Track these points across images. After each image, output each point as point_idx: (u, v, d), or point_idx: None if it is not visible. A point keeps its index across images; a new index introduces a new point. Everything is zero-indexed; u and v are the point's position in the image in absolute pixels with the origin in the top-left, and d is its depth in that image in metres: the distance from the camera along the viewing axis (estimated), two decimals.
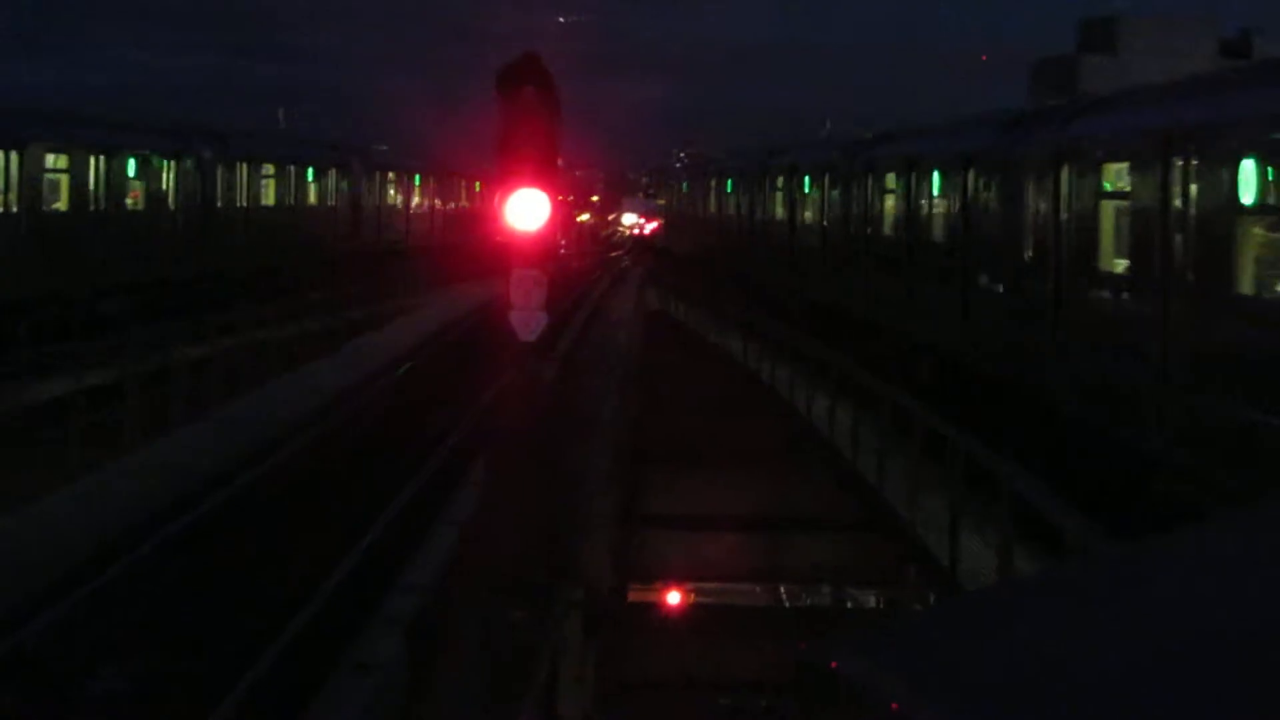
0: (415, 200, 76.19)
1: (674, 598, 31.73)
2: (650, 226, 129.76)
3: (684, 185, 77.22)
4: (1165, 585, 2.80)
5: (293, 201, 57.19)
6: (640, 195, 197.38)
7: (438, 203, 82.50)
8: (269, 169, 55.02)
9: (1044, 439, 20.93)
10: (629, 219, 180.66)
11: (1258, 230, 16.28)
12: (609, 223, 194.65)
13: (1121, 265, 19.84)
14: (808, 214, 42.19)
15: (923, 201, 29.75)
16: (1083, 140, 21.77)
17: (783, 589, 32.14)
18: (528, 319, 17.44)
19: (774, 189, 47.98)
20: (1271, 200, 16.14)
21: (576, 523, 19.34)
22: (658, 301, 60.54)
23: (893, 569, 23.34)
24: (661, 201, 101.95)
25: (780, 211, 46.64)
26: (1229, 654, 2.48)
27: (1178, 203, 17.50)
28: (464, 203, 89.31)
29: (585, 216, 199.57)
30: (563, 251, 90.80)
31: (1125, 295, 19.89)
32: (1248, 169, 16.20)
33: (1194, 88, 19.79)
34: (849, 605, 28.78)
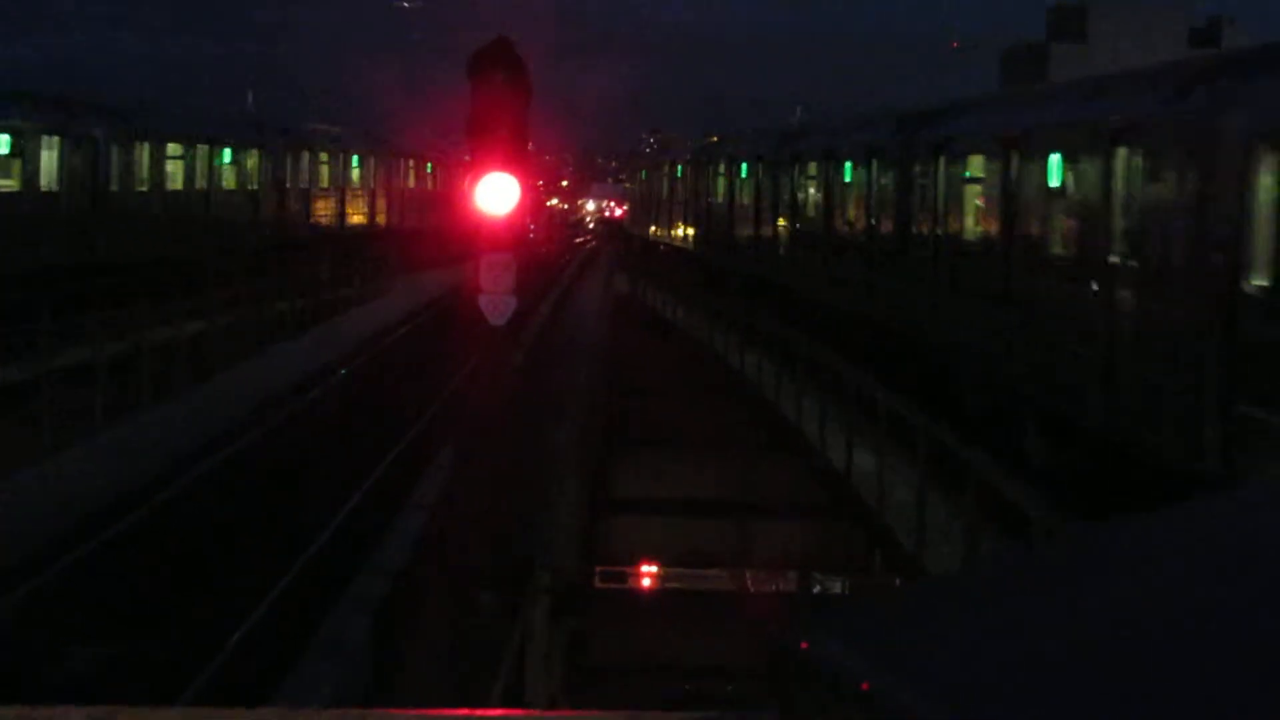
0: (225, 182, 53.54)
1: (641, 582, 31.73)
2: (619, 211, 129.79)
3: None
4: (1128, 566, 2.83)
5: None
6: (609, 180, 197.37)
7: (314, 185, 62.85)
8: None
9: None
10: (591, 204, 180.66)
11: (850, 196, 33.51)
12: (579, 207, 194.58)
13: (809, 218, 37.73)
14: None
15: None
16: (802, 150, 39.43)
17: (749, 574, 32.17)
18: (497, 303, 17.44)
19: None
20: (854, 184, 33.23)
21: (544, 506, 19.34)
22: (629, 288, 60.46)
23: (859, 555, 23.40)
24: (629, 185, 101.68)
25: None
26: (1193, 633, 2.51)
27: (827, 184, 35.51)
28: (344, 184, 68.51)
29: (555, 201, 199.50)
30: (532, 235, 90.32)
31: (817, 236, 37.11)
32: (848, 169, 33.75)
33: (842, 125, 41.08)
34: (816, 590, 28.83)
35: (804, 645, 2.63)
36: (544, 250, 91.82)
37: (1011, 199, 22.14)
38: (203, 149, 50.76)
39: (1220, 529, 2.96)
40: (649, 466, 30.66)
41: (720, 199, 51.67)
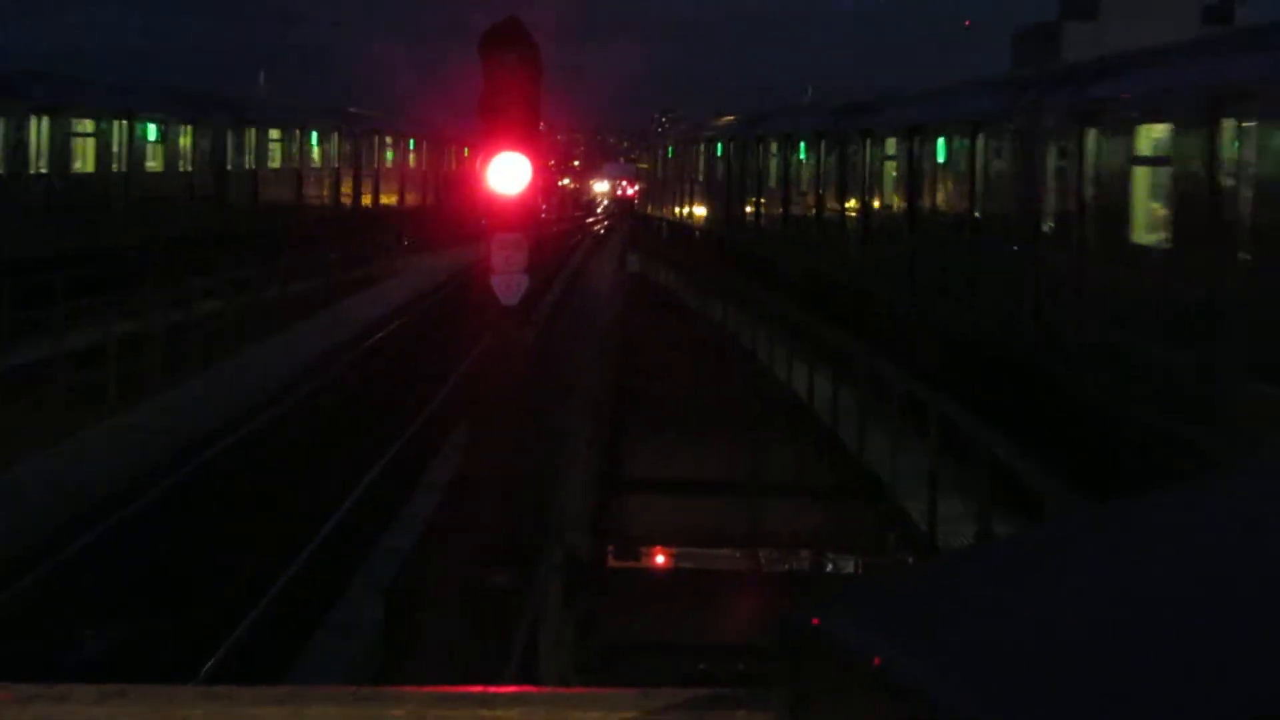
0: (151, 163, 45.84)
1: (653, 562, 31.74)
2: (631, 190, 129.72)
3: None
4: (1137, 545, 2.83)
5: None
6: (621, 160, 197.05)
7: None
8: None
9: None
10: (602, 186, 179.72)
11: (803, 171, 40.18)
12: (590, 187, 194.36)
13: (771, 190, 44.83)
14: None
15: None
16: (765, 132, 46.67)
17: (761, 554, 32.20)
18: (509, 282, 17.44)
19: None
20: (806, 162, 39.55)
21: (557, 486, 19.36)
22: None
23: (871, 534, 23.40)
24: (644, 165, 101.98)
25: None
26: (1202, 612, 2.51)
27: (785, 161, 43.00)
28: (302, 164, 60.30)
29: (566, 181, 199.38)
30: (544, 215, 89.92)
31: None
32: (801, 148, 40.74)
33: (797, 112, 50.37)
34: (828, 570, 28.85)
35: (815, 622, 2.63)
36: (555, 230, 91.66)
37: (915, 171, 29.16)
38: (120, 125, 42.82)
39: (1231, 508, 2.96)
40: (661, 446, 30.68)
41: (701, 177, 59.58)
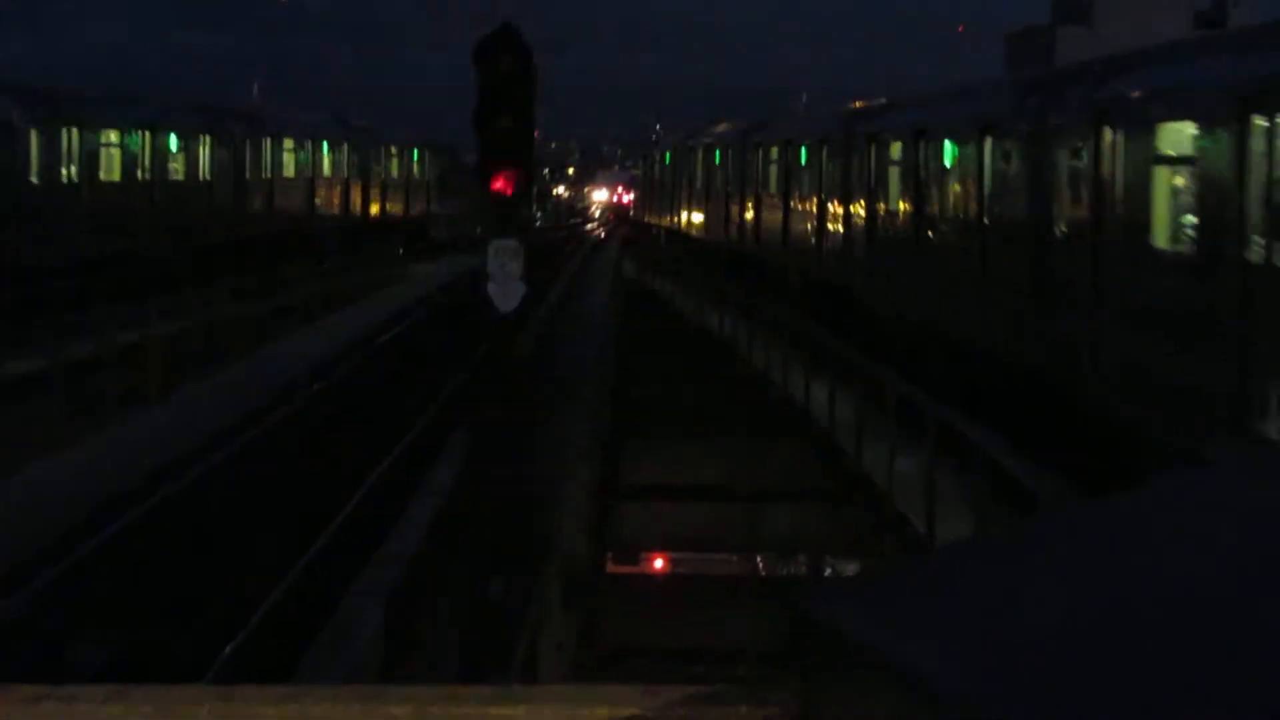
0: None
1: (652, 567, 31.80)
2: (628, 198, 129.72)
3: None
4: (1131, 538, 2.85)
5: None
6: (616, 168, 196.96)
7: None
8: None
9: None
10: (600, 194, 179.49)
11: (716, 174, 53.72)
12: (585, 195, 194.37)
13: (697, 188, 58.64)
14: None
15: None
16: (693, 144, 59.99)
17: (760, 558, 32.23)
18: (506, 289, 17.46)
19: None
20: (720, 166, 53.31)
21: (556, 492, 19.37)
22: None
23: (869, 538, 23.41)
24: (637, 172, 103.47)
25: None
26: (1194, 605, 2.53)
27: (707, 167, 56.11)
28: (159, 174, 45.96)
29: (560, 189, 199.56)
30: (538, 224, 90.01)
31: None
32: (716, 155, 54.40)
33: (717, 130, 59.57)
34: (826, 574, 28.87)
35: (821, 616, 2.64)
36: (550, 238, 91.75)
37: (788, 175, 40.75)
38: None
39: (1226, 501, 2.98)
40: (658, 452, 30.72)
41: (657, 181, 73.05)
